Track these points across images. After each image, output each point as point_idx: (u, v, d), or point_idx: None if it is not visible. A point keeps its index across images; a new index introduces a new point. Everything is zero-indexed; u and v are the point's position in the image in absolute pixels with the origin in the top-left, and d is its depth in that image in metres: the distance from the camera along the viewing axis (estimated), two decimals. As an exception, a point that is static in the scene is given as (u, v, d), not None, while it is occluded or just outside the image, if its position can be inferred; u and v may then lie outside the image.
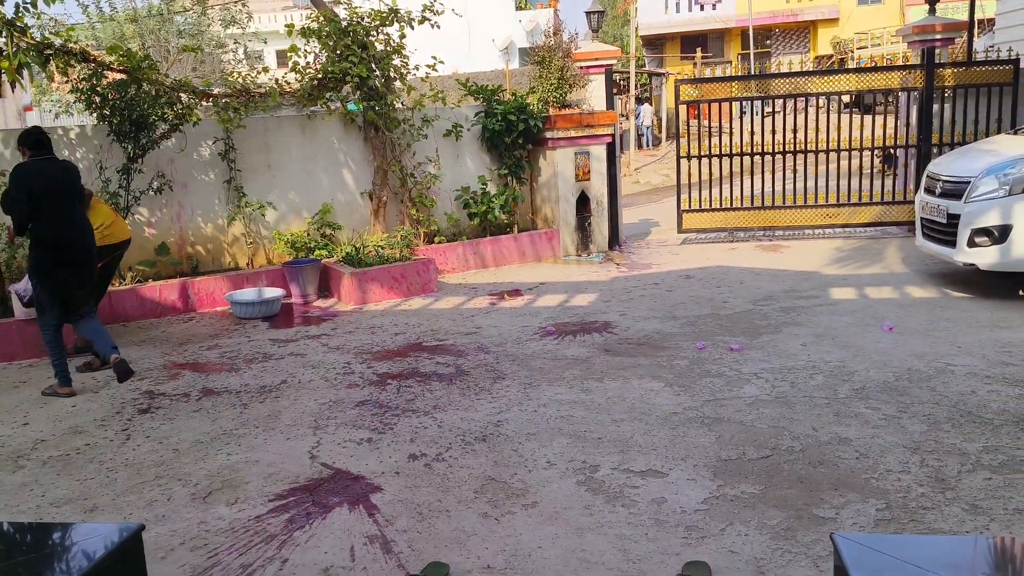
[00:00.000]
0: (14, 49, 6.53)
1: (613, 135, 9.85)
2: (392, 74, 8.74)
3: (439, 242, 9.29)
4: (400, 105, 9.09)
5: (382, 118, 8.74)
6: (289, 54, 8.64)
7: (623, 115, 21.77)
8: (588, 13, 10.19)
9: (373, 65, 8.57)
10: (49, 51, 7.08)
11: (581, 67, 9.88)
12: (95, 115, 7.69)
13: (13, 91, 7.09)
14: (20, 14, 6.75)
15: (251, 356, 6.22)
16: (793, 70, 11.01)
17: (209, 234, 8.52)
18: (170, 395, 5.36)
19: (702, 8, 28.24)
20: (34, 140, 5.33)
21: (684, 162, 10.42)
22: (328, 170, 9.05)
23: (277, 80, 8.77)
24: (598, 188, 9.80)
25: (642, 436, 4.24)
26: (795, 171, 10.26)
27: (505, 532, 3.34)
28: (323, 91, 8.60)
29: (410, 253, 8.45)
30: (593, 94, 10.05)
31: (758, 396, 4.74)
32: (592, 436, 4.28)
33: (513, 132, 9.51)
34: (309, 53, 8.67)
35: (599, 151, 9.73)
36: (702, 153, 10.35)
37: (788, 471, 3.75)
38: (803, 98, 10.33)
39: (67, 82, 8.03)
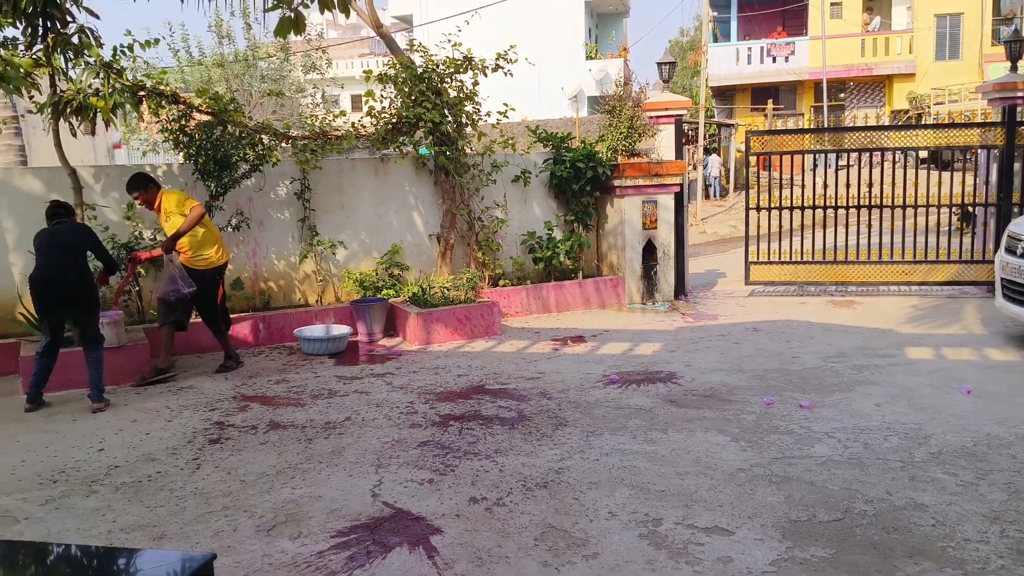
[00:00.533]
0: (110, 90, 6.89)
1: (681, 185, 9.82)
2: (464, 120, 8.93)
3: (504, 285, 9.35)
4: (470, 150, 9.26)
5: (453, 163, 8.91)
6: (365, 99, 8.91)
7: (691, 165, 21.71)
8: (659, 64, 10.26)
9: (446, 111, 8.77)
10: (142, 92, 7.45)
11: (651, 116, 9.93)
12: (182, 154, 8.04)
13: (107, 130, 7.46)
14: (117, 57, 7.14)
15: (317, 392, 6.32)
16: (868, 124, 10.84)
17: (282, 270, 8.75)
18: (239, 427, 5.47)
19: (774, 60, 28.13)
20: (51, 212, 6.19)
21: (753, 213, 10.31)
22: (398, 212, 9.24)
23: (353, 124, 9.03)
24: (665, 237, 9.75)
25: (707, 491, 4.14)
26: (869, 226, 10.05)
27: (565, 582, 3.28)
28: (396, 135, 8.82)
29: (475, 295, 8.52)
30: (662, 143, 10.07)
31: (829, 456, 4.59)
32: (655, 488, 4.20)
33: (581, 179, 9.57)
34: (385, 98, 8.93)
35: (667, 200, 9.71)
36: (772, 205, 10.23)
37: (861, 536, 3.61)
38: (878, 152, 10.15)
39: (156, 122, 8.43)
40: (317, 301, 8.82)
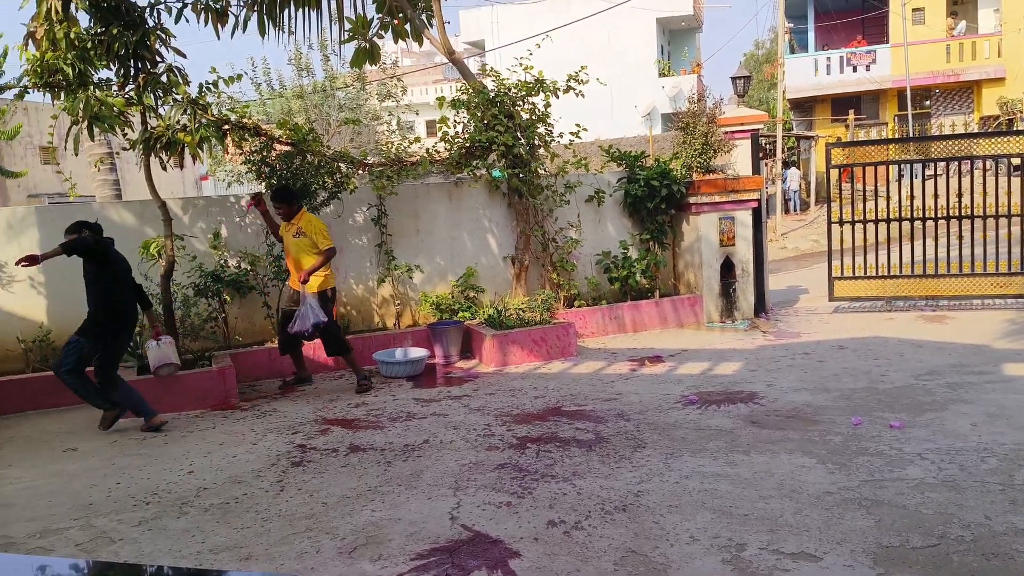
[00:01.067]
0: (197, 125, 7.19)
1: (759, 200, 9.63)
2: (536, 142, 8.97)
3: (579, 306, 9.31)
4: (543, 172, 9.29)
5: (526, 185, 8.95)
6: (439, 124, 9.06)
7: (769, 179, 21.29)
8: (733, 78, 10.11)
9: (518, 133, 8.83)
10: (226, 126, 7.75)
11: (726, 132, 9.78)
12: (264, 184, 8.31)
13: (194, 163, 7.77)
14: (203, 93, 7.45)
15: (395, 415, 6.40)
16: (956, 131, 10.42)
17: (360, 295, 8.92)
18: (321, 450, 5.58)
19: (855, 69, 27.32)
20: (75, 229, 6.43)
21: (836, 227, 10.02)
22: (473, 235, 9.33)
23: (427, 149, 9.19)
24: (743, 254, 9.56)
25: (793, 515, 4.00)
26: (960, 237, 9.63)
27: (646, 609, 3.22)
28: (470, 159, 8.92)
29: (550, 316, 8.51)
30: (738, 159, 9.90)
31: (922, 478, 4.39)
32: (738, 512, 4.08)
33: (656, 197, 9.48)
34: (458, 123, 9.05)
35: (744, 216, 9.52)
36: (856, 218, 9.93)
37: (958, 563, 3.43)
38: (967, 161, 9.73)
39: (240, 154, 8.74)
40: (395, 324, 8.96)
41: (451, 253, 9.24)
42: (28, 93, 7.18)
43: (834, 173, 10.31)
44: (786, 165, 24.67)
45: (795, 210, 24.61)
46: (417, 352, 8.02)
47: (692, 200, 9.40)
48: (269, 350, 7.94)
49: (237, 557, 3.92)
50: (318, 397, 7.14)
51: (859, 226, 9.91)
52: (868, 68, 27.24)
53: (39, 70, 6.46)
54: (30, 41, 6.44)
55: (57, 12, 6.14)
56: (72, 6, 6.25)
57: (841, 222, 9.98)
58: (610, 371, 7.49)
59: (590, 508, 4.25)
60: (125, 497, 4.88)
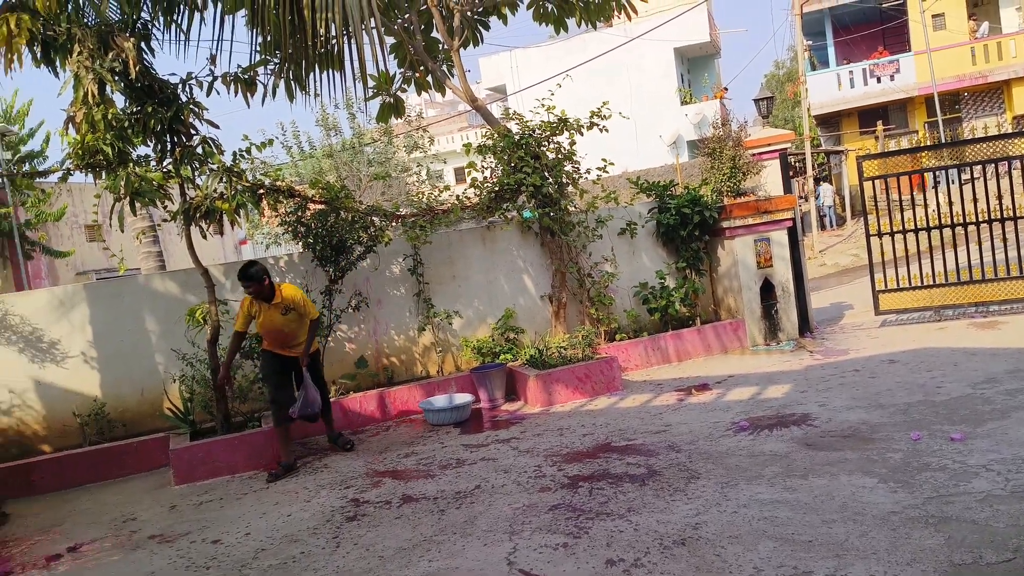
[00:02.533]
0: (233, 192, 7.38)
1: (793, 219, 9.55)
2: (564, 180, 9.03)
3: (620, 339, 9.26)
4: (573, 208, 9.34)
5: (557, 223, 8.99)
6: (467, 170, 9.18)
7: (802, 197, 21.10)
8: (756, 100, 10.13)
9: (546, 173, 8.90)
10: (261, 190, 7.94)
11: (753, 154, 9.77)
12: (300, 243, 8.47)
13: (232, 229, 7.95)
14: (237, 161, 7.65)
15: (445, 462, 6.39)
16: (989, 133, 10.27)
17: (401, 345, 8.99)
18: (373, 502, 5.59)
19: (878, 80, 27.12)
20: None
21: (875, 240, 9.88)
22: (509, 276, 9.37)
23: (457, 196, 9.30)
24: (782, 274, 9.46)
25: (858, 538, 3.89)
26: (1004, 240, 9.43)
27: (714, 645, 3.14)
28: (500, 202, 9.01)
29: (592, 352, 8.48)
30: (768, 179, 9.86)
31: (990, 491, 4.25)
32: (801, 539, 3.99)
33: (688, 225, 9.46)
34: (485, 168, 9.16)
35: (780, 236, 9.45)
36: (894, 229, 9.78)
37: (1038, 577, 3.30)
38: (1004, 162, 9.56)
39: (276, 216, 8.93)
40: (438, 372, 8.99)
41: (488, 296, 9.29)
42: (71, 175, 7.45)
43: (868, 185, 10.19)
44: (818, 181, 24.47)
45: (832, 226, 24.32)
46: (462, 398, 8.02)
47: (725, 224, 9.36)
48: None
49: (299, 617, 3.92)
50: (368, 450, 7.16)
51: (899, 237, 9.76)
52: (892, 78, 27.03)
53: (80, 152, 6.70)
54: (70, 125, 6.69)
55: (94, 96, 6.38)
56: (108, 88, 6.49)
57: (880, 234, 9.85)
58: (657, 403, 7.42)
59: (648, 544, 4.18)
60: (184, 563, 4.92)
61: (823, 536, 3.99)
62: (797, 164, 23.58)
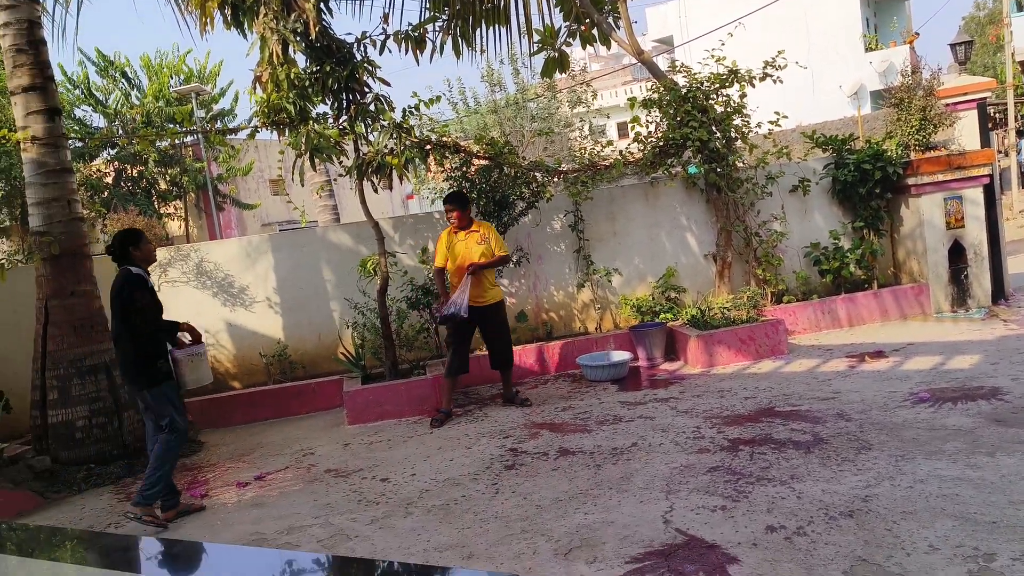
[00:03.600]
0: (402, 148, 7.64)
1: (990, 175, 8.69)
2: (733, 134, 8.67)
3: (788, 302, 8.87)
4: (742, 164, 8.96)
5: (724, 179, 8.67)
6: (631, 125, 9.00)
7: (1001, 151, 19.20)
8: (952, 45, 9.25)
9: (713, 127, 8.58)
10: (428, 146, 8.17)
11: (947, 104, 8.95)
12: (465, 198, 8.65)
13: (400, 183, 8.25)
14: (406, 117, 7.90)
15: (602, 418, 6.42)
16: None
17: (560, 301, 9.06)
18: (531, 453, 5.72)
19: (1099, 19, 24.08)
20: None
21: (1088, 199, 8.83)
22: (671, 234, 9.18)
23: (620, 152, 9.15)
24: (975, 235, 8.67)
25: (1053, 525, 3.57)
26: None
27: (882, 623, 3.00)
28: (664, 158, 8.78)
29: (757, 314, 8.18)
30: (963, 132, 9.02)
31: None
32: (984, 519, 3.70)
33: (868, 181, 8.84)
34: (650, 122, 8.95)
35: (974, 194, 8.64)
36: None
37: None
38: None
39: (442, 171, 9.18)
40: (596, 328, 9.00)
41: (649, 254, 9.14)
42: (258, 132, 7.98)
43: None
44: (1020, 135, 22.13)
45: (1035, 183, 21.99)
46: (620, 355, 8.00)
47: (911, 181, 8.67)
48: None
49: (460, 556, 4.10)
50: (525, 402, 7.31)
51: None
52: (1117, 15, 23.88)
53: (266, 110, 7.15)
54: (257, 85, 7.14)
55: (278, 56, 6.77)
56: (290, 49, 6.86)
57: (1095, 193, 8.79)
58: (826, 368, 7.07)
59: (812, 513, 4.03)
60: (359, 497, 5.26)
61: (1010, 518, 3.68)
62: (997, 115, 21.41)
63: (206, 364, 5.51)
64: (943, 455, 4.59)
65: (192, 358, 5.38)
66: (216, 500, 5.65)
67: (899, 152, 8.89)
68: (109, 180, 19.78)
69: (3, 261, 11.55)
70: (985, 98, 9.13)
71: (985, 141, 9.03)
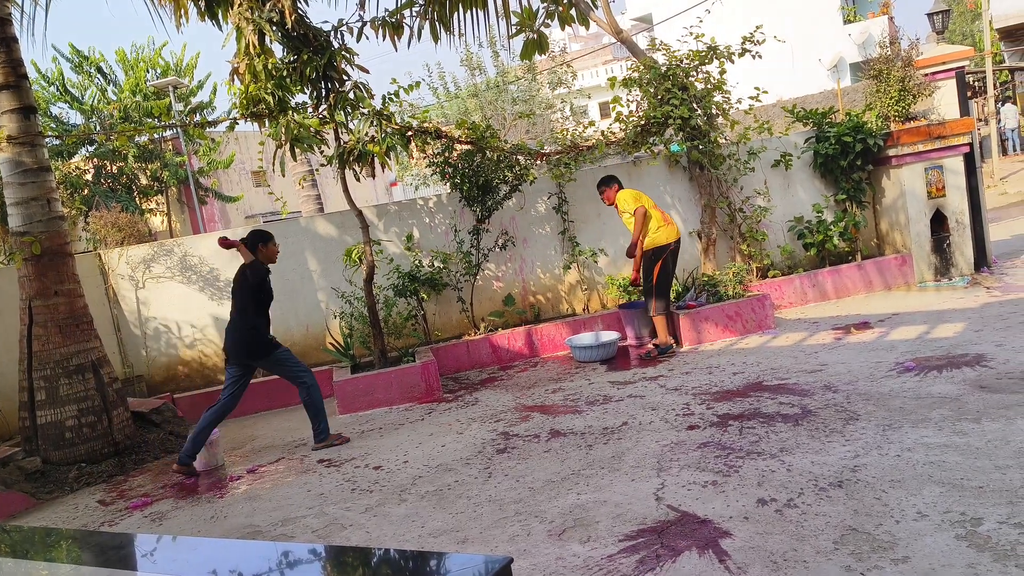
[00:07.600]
0: (383, 135, 7.60)
1: (970, 144, 8.75)
2: (714, 111, 8.68)
3: (773, 276, 8.92)
4: (724, 140, 8.98)
5: (706, 156, 8.69)
6: (612, 105, 9.00)
7: (981, 120, 19.31)
8: (930, 14, 9.27)
9: (694, 105, 8.58)
10: (410, 133, 8.13)
11: (925, 74, 8.98)
12: (448, 184, 8.64)
13: (383, 171, 8.21)
14: (386, 104, 7.85)
15: (592, 398, 6.45)
16: None
17: (547, 283, 9.07)
18: (522, 436, 5.75)
19: (1075, -16, 24.12)
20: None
21: (1066, 164, 8.90)
22: (656, 213, 9.18)
23: (602, 132, 9.15)
24: (956, 204, 8.74)
25: (1037, 487, 3.62)
26: None
27: (873, 590, 3.04)
28: (646, 136, 8.79)
29: (743, 290, 8.22)
30: (942, 101, 9.05)
31: None
32: (971, 485, 3.76)
33: (849, 154, 8.88)
34: (631, 102, 8.94)
35: (954, 163, 8.70)
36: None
37: None
38: None
39: (424, 157, 9.14)
40: (584, 309, 9.02)
41: (635, 233, 9.15)
42: (237, 124, 7.91)
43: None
44: (1000, 102, 22.26)
45: (1015, 150, 22.17)
46: (609, 335, 8.03)
47: (892, 152, 8.71)
48: (467, 343, 8.26)
49: (454, 540, 4.13)
50: (516, 385, 7.34)
51: (1096, 160, 8.75)
52: (1094, -20, 23.93)
53: (245, 101, 7.08)
54: (235, 76, 7.07)
55: (255, 46, 6.70)
56: (267, 39, 6.79)
57: (1073, 158, 8.86)
58: (812, 341, 7.13)
59: (802, 485, 4.07)
60: (352, 486, 5.28)
61: (996, 482, 3.74)
62: (976, 84, 21.52)
63: None
64: (929, 423, 4.65)
65: None
66: (209, 494, 5.65)
67: (879, 124, 8.93)
68: (89, 177, 19.58)
69: (-16, 262, 11.43)
70: (964, 67, 9.16)
71: (964, 110, 9.07)
